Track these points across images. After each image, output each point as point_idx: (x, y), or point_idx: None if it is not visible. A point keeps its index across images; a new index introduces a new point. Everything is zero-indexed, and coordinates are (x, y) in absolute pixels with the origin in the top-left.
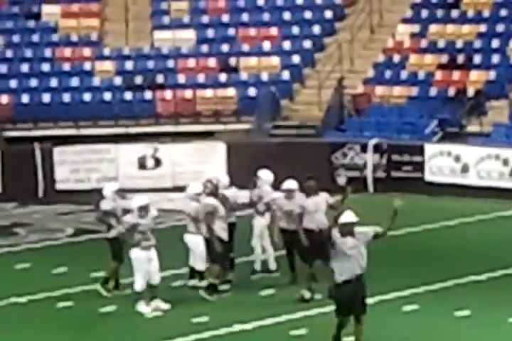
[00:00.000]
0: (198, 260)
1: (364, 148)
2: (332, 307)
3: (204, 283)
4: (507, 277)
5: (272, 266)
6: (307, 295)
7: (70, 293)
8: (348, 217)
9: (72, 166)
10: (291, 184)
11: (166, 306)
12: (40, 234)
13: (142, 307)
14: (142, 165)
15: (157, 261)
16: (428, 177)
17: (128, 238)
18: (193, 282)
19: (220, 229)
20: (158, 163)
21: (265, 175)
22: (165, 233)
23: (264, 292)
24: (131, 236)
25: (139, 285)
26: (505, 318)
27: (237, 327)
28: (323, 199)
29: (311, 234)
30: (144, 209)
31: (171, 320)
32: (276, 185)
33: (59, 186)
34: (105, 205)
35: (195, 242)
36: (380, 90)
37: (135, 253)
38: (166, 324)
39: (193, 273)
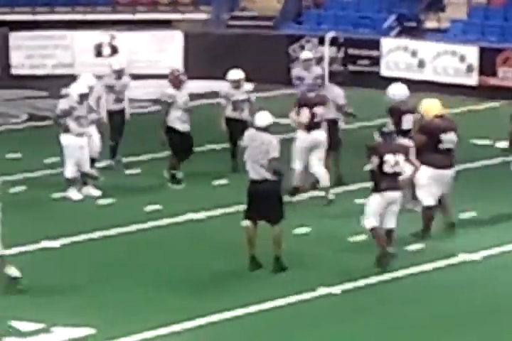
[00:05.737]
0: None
1: (321, 41)
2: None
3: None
4: None
5: None
6: None
7: (23, 178)
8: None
9: (27, 52)
10: (237, 74)
11: (97, 193)
12: None
13: (73, 193)
14: (98, 52)
15: (87, 148)
16: (384, 71)
17: (60, 122)
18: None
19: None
20: (114, 50)
21: None
22: None
23: (216, 182)
24: (64, 121)
25: (70, 172)
26: None
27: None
28: None
29: None
30: (84, 97)
31: (124, 207)
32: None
33: (14, 71)
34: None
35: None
36: None
37: (66, 140)
38: (118, 211)
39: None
